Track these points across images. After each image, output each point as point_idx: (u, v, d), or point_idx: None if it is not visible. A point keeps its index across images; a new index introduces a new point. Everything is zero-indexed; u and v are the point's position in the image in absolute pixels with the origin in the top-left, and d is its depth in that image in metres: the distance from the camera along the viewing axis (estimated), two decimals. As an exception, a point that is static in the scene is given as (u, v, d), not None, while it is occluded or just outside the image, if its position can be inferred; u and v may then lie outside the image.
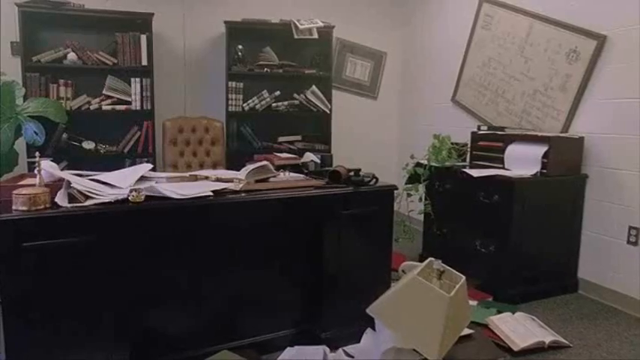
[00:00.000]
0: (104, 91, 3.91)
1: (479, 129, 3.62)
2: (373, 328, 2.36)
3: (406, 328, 2.04)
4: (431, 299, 2.00)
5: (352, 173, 2.45)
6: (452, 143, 3.66)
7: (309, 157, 2.89)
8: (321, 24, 4.28)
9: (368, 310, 2.13)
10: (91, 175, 2.10)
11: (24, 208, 1.70)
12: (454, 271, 2.22)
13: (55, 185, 1.95)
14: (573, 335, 2.59)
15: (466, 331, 2.37)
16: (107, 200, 1.85)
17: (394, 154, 5.27)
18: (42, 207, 1.73)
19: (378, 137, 5.22)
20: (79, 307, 1.82)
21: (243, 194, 2.16)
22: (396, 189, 2.52)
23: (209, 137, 4.01)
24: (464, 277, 2.16)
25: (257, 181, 2.37)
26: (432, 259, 2.23)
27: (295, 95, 4.43)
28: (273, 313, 2.31)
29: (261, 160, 2.73)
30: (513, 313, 2.72)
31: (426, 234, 3.80)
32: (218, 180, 2.30)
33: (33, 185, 1.85)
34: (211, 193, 2.05)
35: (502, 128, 3.48)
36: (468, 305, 2.36)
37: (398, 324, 2.06)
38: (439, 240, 3.59)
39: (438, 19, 4.67)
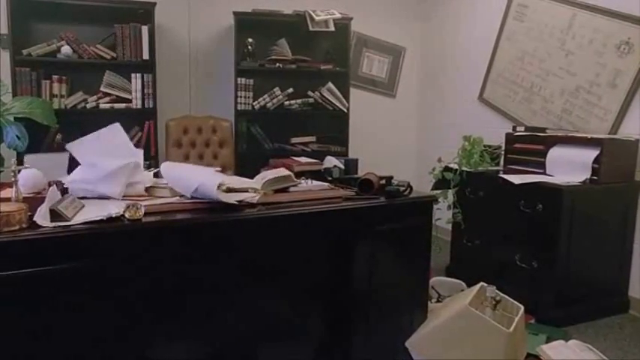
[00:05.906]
0: (102, 88, 3.63)
1: (514, 130, 3.28)
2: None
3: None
4: (487, 334, 1.69)
5: (384, 181, 2.12)
6: (483, 145, 3.33)
7: (331, 161, 2.55)
8: (338, 15, 3.95)
9: (407, 344, 1.86)
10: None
11: (-6, 230, 1.38)
12: (509, 298, 1.89)
13: (38, 199, 1.62)
14: (635, 367, 2.27)
15: (519, 366, 2.05)
16: (99, 218, 1.53)
17: (412, 157, 4.94)
18: (16, 228, 1.40)
19: (395, 138, 4.88)
20: (63, 349, 1.49)
21: (260, 207, 1.84)
22: (435, 200, 2.19)
23: (216, 138, 3.76)
24: (522, 308, 1.83)
25: (275, 191, 2.05)
26: (484, 284, 1.90)
27: (310, 93, 4.10)
28: (292, 344, 1.97)
29: (277, 165, 2.41)
30: (566, 340, 2.40)
31: (454, 245, 3.48)
32: (230, 191, 1.96)
33: (9, 199, 1.53)
34: (237, 202, 1.78)
35: (543, 129, 3.14)
36: (525, 338, 2.03)
37: (446, 363, 1.75)
38: (469, 252, 3.27)
39: (463, 11, 4.32)
